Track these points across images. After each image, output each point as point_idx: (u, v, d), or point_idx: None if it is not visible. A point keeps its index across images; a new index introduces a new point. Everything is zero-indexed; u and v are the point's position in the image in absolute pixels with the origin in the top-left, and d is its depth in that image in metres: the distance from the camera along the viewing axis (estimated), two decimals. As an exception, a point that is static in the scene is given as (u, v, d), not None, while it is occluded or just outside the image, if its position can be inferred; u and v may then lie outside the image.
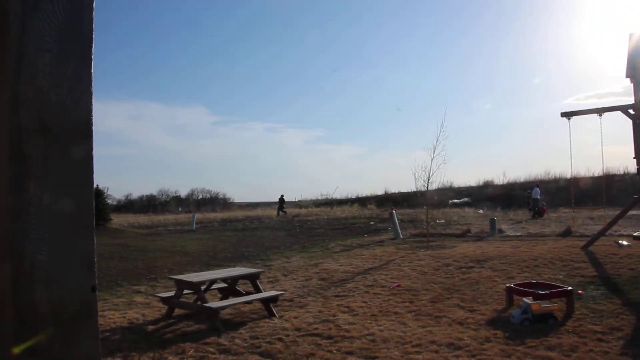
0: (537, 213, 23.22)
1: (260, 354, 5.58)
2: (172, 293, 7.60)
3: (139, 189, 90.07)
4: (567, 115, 12.72)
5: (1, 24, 0.93)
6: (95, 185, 1.06)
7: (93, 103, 1.03)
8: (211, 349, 5.75)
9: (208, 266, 12.10)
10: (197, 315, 7.20)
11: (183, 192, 65.36)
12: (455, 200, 33.90)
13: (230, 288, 7.95)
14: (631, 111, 11.73)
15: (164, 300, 7.57)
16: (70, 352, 0.97)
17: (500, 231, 17.09)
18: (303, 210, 33.31)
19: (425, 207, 17.03)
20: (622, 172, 32.95)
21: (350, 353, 5.49)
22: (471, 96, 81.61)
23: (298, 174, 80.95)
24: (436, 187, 18.01)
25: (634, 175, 30.69)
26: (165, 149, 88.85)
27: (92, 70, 1.02)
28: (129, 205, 59.56)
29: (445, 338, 5.85)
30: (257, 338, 6.14)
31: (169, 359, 5.45)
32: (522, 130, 73.43)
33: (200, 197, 64.53)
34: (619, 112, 11.99)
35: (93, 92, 1.03)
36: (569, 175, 28.86)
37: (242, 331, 6.49)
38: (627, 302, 7.12)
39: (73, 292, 0.98)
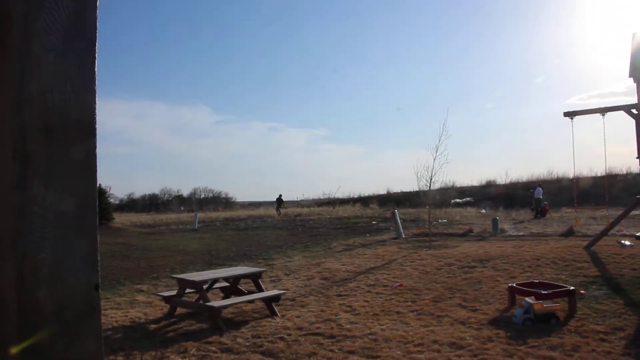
0: (540, 213, 23.18)
1: (262, 353, 5.58)
2: (174, 292, 7.61)
3: (141, 188, 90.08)
4: (570, 114, 12.69)
5: (5, 22, 0.93)
6: (97, 184, 1.06)
7: (97, 102, 1.03)
8: (213, 348, 5.76)
9: (210, 265, 12.12)
10: (199, 314, 7.22)
11: (185, 192, 65.59)
12: (458, 200, 33.86)
13: (232, 287, 7.95)
14: (634, 111, 11.71)
15: (166, 299, 7.58)
16: (74, 350, 0.97)
17: (503, 231, 17.06)
18: (305, 210, 33.33)
19: (427, 206, 17.02)
20: (624, 172, 32.94)
21: (352, 352, 5.49)
22: (473, 96, 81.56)
23: (300, 174, 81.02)
24: (438, 187, 17.94)
25: (636, 175, 30.71)
26: (167, 148, 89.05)
27: (96, 69, 1.03)
28: (131, 205, 59.70)
29: (447, 337, 5.85)
30: (259, 337, 6.15)
31: (171, 358, 5.46)
32: (525, 129, 73.39)
33: (203, 196, 64.70)
34: (621, 112, 11.96)
35: (97, 91, 1.03)
36: (571, 175, 28.78)
37: (244, 330, 6.50)
38: (630, 302, 7.11)
39: (76, 291, 0.98)
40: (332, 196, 44.04)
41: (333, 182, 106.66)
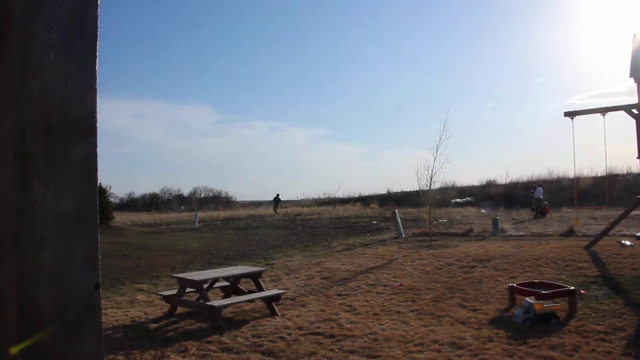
0: (540, 213, 23.17)
1: (262, 352, 5.58)
2: (174, 291, 7.61)
3: (141, 188, 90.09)
4: (571, 114, 12.68)
5: (6, 21, 0.93)
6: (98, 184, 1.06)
7: (97, 101, 1.03)
8: (213, 347, 5.76)
9: (210, 264, 12.11)
10: (199, 314, 7.22)
11: (186, 191, 65.57)
12: (458, 200, 33.85)
13: (233, 286, 7.96)
14: (634, 111, 11.70)
15: (166, 298, 7.58)
16: (74, 349, 0.97)
17: (503, 231, 17.05)
18: (305, 209, 33.33)
19: (427, 206, 17.02)
20: (625, 172, 32.93)
21: (352, 352, 5.49)
22: (473, 95, 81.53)
23: (301, 173, 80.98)
24: (439, 187, 17.97)
25: (637, 175, 30.72)
26: (168, 148, 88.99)
27: (97, 68, 1.02)
28: (131, 204, 59.71)
29: (448, 337, 5.85)
30: (259, 337, 6.15)
31: (171, 357, 5.46)
32: (525, 129, 73.30)
33: (203, 195, 64.66)
34: (622, 112, 11.96)
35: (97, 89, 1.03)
36: (571, 175, 28.80)
37: (244, 330, 6.50)
38: (630, 302, 7.11)
39: (77, 290, 0.98)
40: (332, 196, 44.15)
41: (333, 181, 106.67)
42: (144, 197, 63.76)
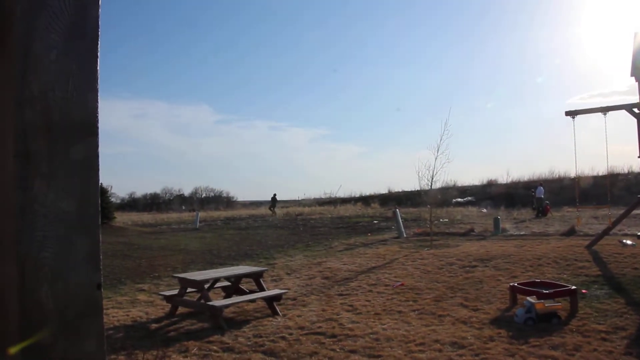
0: (541, 212, 23.14)
1: (263, 352, 5.58)
2: (175, 291, 7.61)
3: (142, 188, 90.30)
4: (572, 114, 12.66)
5: (7, 21, 0.93)
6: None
7: (99, 100, 1.02)
8: (214, 347, 5.76)
9: (211, 264, 12.12)
10: (200, 314, 7.22)
11: (187, 191, 65.63)
12: (459, 199, 33.83)
13: (234, 286, 7.96)
14: (636, 110, 11.69)
15: (168, 298, 7.58)
16: (76, 349, 0.97)
17: (504, 230, 17.04)
18: (306, 209, 33.32)
19: (428, 206, 17.01)
20: (626, 171, 32.87)
21: (353, 352, 5.49)
22: (474, 95, 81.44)
23: (302, 173, 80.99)
24: (440, 186, 17.96)
25: (638, 174, 30.69)
26: (169, 148, 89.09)
27: (98, 67, 1.02)
28: (132, 204, 59.76)
29: (449, 337, 5.84)
30: (261, 336, 6.15)
31: (172, 357, 5.46)
32: (526, 129, 73.20)
33: (204, 195, 64.75)
34: (623, 111, 11.94)
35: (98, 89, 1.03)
36: (573, 174, 28.79)
37: (245, 329, 6.50)
38: (631, 301, 7.10)
39: (78, 290, 0.98)
40: (333, 195, 44.11)
41: (334, 181, 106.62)
42: (145, 197, 63.88)
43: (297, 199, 46.95)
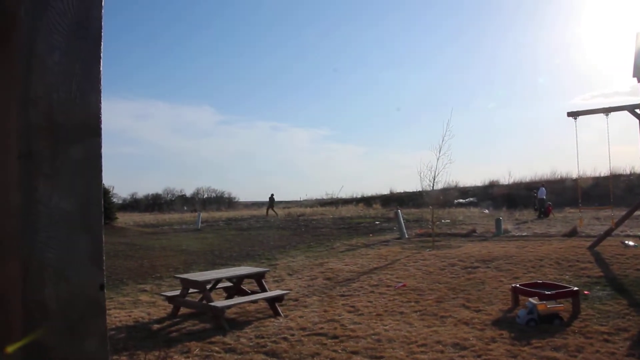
0: (543, 213, 23.11)
1: (265, 353, 5.58)
2: (177, 292, 7.62)
3: (144, 188, 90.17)
4: (574, 114, 12.64)
5: (10, 22, 0.93)
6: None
7: (102, 101, 1.03)
8: (216, 348, 5.76)
9: (213, 265, 12.13)
10: (202, 314, 7.22)
11: (188, 191, 65.58)
12: (461, 200, 33.81)
13: (236, 287, 7.96)
14: (638, 111, 11.67)
15: (170, 299, 7.59)
16: (78, 349, 0.97)
17: (506, 231, 17.02)
18: (308, 210, 33.31)
19: (430, 206, 17.00)
20: (628, 172, 32.83)
21: (355, 353, 5.48)
22: (475, 96, 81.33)
23: (303, 173, 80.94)
24: (441, 187, 17.96)
25: (640, 175, 30.64)
26: (171, 148, 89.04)
27: (101, 68, 1.02)
28: (134, 204, 59.76)
29: (451, 338, 5.84)
30: (263, 337, 6.15)
31: (174, 358, 5.47)
32: (528, 129, 73.01)
33: (206, 196, 64.71)
34: (625, 112, 11.92)
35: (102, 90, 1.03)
36: (575, 175, 28.77)
37: (247, 330, 6.50)
38: (634, 302, 7.08)
39: (81, 290, 0.98)
40: (335, 196, 44.08)
41: (336, 181, 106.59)
42: (146, 197, 63.88)
43: (298, 199, 46.99)
